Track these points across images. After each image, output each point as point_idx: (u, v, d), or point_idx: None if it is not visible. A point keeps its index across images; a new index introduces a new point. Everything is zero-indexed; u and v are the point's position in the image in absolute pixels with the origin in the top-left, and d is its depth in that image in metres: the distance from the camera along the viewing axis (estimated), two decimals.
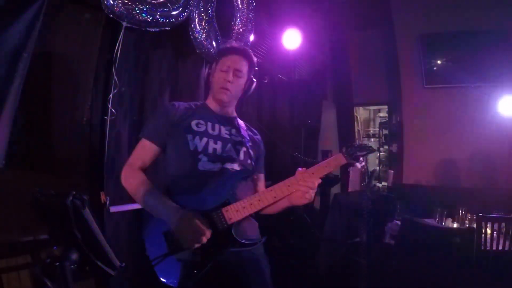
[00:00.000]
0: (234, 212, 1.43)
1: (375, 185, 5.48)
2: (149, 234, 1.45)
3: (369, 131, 7.57)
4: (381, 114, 6.92)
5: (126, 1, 2.07)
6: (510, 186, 3.74)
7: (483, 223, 2.43)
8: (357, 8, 5.07)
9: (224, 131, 1.61)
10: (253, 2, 3.11)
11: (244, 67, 1.63)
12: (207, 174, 1.50)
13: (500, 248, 2.38)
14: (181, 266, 1.38)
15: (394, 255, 2.63)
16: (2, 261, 1.78)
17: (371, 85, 5.43)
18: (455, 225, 2.89)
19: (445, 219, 2.94)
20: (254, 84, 1.72)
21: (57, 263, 0.92)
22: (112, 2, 2.03)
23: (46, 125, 1.95)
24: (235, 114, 1.74)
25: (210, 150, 1.53)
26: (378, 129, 7.00)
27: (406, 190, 4.18)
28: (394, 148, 4.81)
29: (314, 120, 4.59)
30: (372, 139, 7.42)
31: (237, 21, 2.95)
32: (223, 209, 1.43)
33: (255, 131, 1.78)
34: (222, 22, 2.82)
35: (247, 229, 1.51)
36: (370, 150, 1.62)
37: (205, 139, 1.54)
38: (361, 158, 1.57)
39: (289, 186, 1.46)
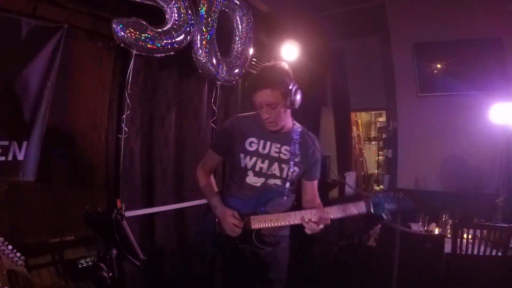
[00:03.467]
0: (258, 222, 1.81)
1: (372, 188, 5.69)
2: (205, 220, 2.01)
3: (370, 134, 7.79)
4: (381, 119, 7.14)
5: (133, 31, 2.36)
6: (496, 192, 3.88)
7: (459, 229, 2.67)
8: (354, 17, 5.27)
9: (274, 150, 1.90)
10: (251, 21, 3.36)
11: (274, 97, 1.73)
12: (251, 187, 1.90)
13: (475, 252, 2.61)
14: (221, 242, 1.91)
15: (375, 257, 2.88)
16: (32, 259, 2.09)
17: (369, 91, 5.59)
18: (436, 230, 3.11)
19: (429, 224, 3.17)
20: (299, 95, 1.79)
21: (107, 255, 1.41)
22: (122, 33, 2.32)
23: (69, 143, 2.27)
24: (289, 126, 1.92)
25: (257, 168, 1.90)
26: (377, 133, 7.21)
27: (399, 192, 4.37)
28: (389, 153, 5.03)
29: (313, 127, 4.83)
30: (373, 142, 7.65)
31: (236, 40, 3.21)
32: (251, 217, 1.82)
33: (312, 138, 1.96)
34: (222, 41, 3.08)
35: (265, 236, 1.87)
36: (401, 204, 1.64)
37: (254, 159, 1.90)
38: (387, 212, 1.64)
39: (303, 217, 1.74)
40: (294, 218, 1.75)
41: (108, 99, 2.39)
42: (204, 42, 2.87)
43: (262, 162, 1.88)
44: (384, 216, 1.67)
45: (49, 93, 2.10)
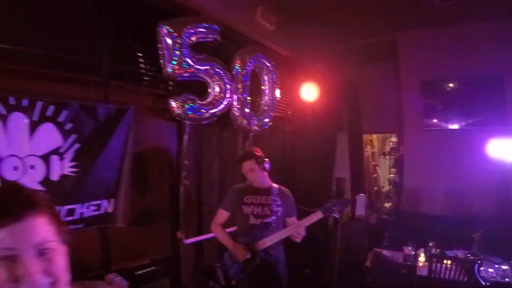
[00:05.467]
0: (261, 244, 2.89)
1: (383, 206, 6.31)
2: (223, 253, 3.02)
3: (385, 149, 8.34)
4: (393, 139, 7.70)
5: (185, 105, 3.13)
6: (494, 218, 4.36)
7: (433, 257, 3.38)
8: (369, 48, 5.82)
9: (263, 199, 2.99)
10: (276, 78, 4.08)
11: (253, 164, 2.99)
12: (254, 226, 2.95)
13: (447, 277, 3.24)
14: (238, 267, 2.93)
15: (369, 275, 3.68)
16: None
17: (381, 114, 6.09)
18: (421, 256, 3.72)
19: (418, 249, 3.81)
20: (267, 164, 3.03)
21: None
22: (176, 108, 3.10)
23: (144, 194, 3.12)
24: (269, 183, 3.07)
25: (255, 212, 2.96)
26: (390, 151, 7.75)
27: (402, 215, 5.00)
28: (397, 178, 5.64)
29: (329, 152, 5.51)
30: (387, 157, 8.20)
31: (263, 101, 3.95)
32: (257, 242, 2.91)
33: (286, 190, 3.12)
34: (252, 99, 3.83)
35: (269, 250, 2.94)
36: (344, 205, 3.04)
37: (251, 207, 2.97)
38: (336, 212, 2.90)
39: (288, 232, 2.87)
40: (282, 234, 2.89)
41: (170, 157, 3.22)
42: (238, 102, 3.62)
43: (257, 207, 2.97)
44: (336, 215, 2.95)
45: (129, 157, 2.91)
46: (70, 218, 2.74)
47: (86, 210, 2.80)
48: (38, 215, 0.79)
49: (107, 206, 2.89)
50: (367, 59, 6.21)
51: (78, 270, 2.61)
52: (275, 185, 3.10)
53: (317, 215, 2.87)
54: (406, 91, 5.40)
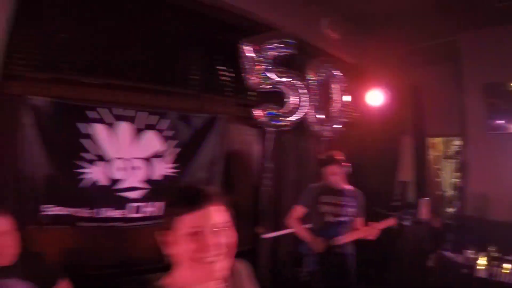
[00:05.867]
0: (335, 241, 3.15)
1: (446, 210, 6.26)
2: (299, 245, 3.30)
3: (449, 152, 8.17)
4: (456, 142, 7.54)
5: (267, 113, 3.48)
6: None
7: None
8: (428, 53, 5.82)
9: (338, 199, 3.26)
10: (344, 93, 4.33)
11: (337, 168, 3.25)
12: (329, 224, 3.22)
13: (506, 280, 3.37)
14: (313, 259, 3.23)
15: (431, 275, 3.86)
16: None
17: (445, 117, 5.92)
18: (482, 259, 3.74)
19: (478, 254, 3.81)
20: (348, 168, 3.31)
21: None
22: (260, 116, 3.46)
23: (232, 191, 3.52)
24: (345, 185, 3.32)
25: (331, 211, 3.24)
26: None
27: (465, 220, 4.89)
28: (459, 182, 5.59)
29: (394, 155, 5.61)
30: (451, 161, 8.04)
31: (333, 108, 4.22)
32: (330, 240, 3.16)
33: (358, 192, 3.39)
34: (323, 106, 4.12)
35: (341, 247, 3.21)
36: (414, 215, 3.30)
37: (327, 206, 3.25)
38: (407, 221, 3.28)
39: (365, 231, 3.15)
40: (357, 234, 3.19)
41: (253, 161, 3.61)
42: (312, 109, 3.92)
43: (334, 207, 3.23)
44: (407, 223, 3.38)
45: (221, 162, 3.32)
46: None
47: None
48: (214, 204, 1.13)
49: None
50: (428, 62, 6.19)
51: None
52: (349, 187, 3.38)
53: (392, 221, 3.22)
54: (469, 93, 5.27)
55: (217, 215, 1.11)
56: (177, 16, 3.42)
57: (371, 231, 3.14)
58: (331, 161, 3.24)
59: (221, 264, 1.09)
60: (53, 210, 2.87)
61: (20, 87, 2.79)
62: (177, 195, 1.16)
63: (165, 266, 1.15)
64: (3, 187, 2.73)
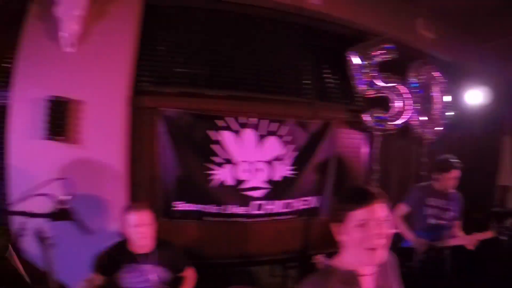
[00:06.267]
0: (437, 243, 3.19)
1: None
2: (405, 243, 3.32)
3: None
4: None
5: (371, 118, 3.66)
6: None
7: None
8: None
9: (443, 203, 3.27)
10: (445, 94, 4.33)
11: (458, 173, 3.26)
12: (432, 225, 3.25)
13: None
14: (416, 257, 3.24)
15: None
16: None
17: None
18: None
19: None
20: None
21: None
22: (369, 121, 3.65)
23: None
24: (450, 190, 3.31)
25: (435, 214, 3.26)
26: None
27: None
28: None
29: (494, 157, 5.40)
30: None
31: (435, 110, 4.25)
32: (432, 241, 3.19)
33: (460, 196, 3.37)
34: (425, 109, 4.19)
35: (441, 250, 3.25)
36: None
37: (433, 209, 3.27)
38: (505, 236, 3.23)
39: (465, 240, 3.17)
40: (458, 241, 3.20)
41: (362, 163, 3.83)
42: (415, 113, 4.01)
43: (439, 211, 3.24)
44: (503, 238, 3.36)
45: (332, 164, 3.57)
46: (286, 210, 3.52)
47: (298, 204, 3.55)
48: (378, 201, 1.37)
49: (314, 201, 3.60)
50: None
51: (282, 250, 3.21)
52: (453, 190, 3.39)
53: (490, 234, 3.16)
54: None
55: (380, 210, 1.35)
56: (289, 30, 3.76)
57: (471, 241, 3.13)
58: (451, 166, 3.23)
59: (381, 252, 1.33)
60: (183, 206, 3.34)
61: (153, 101, 3.30)
62: (348, 194, 1.43)
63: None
64: (141, 186, 3.23)
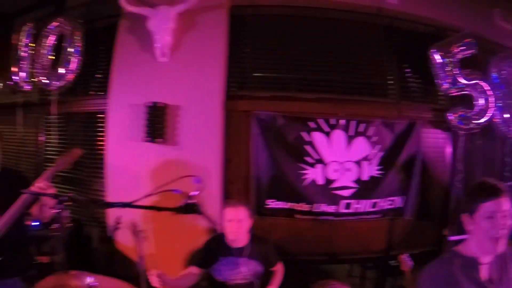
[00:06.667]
0: None
1: None
2: None
3: None
4: None
5: (456, 117, 3.65)
6: None
7: None
8: None
9: None
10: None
11: None
12: None
13: None
14: None
15: None
16: None
17: None
18: None
19: None
20: None
21: None
22: (453, 119, 3.64)
23: (425, 192, 3.81)
24: None
25: None
26: None
27: None
28: None
29: None
30: None
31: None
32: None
33: None
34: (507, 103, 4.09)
35: None
36: None
37: None
38: None
39: None
40: None
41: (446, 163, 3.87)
42: (498, 109, 3.93)
43: None
44: None
45: (417, 164, 3.61)
46: (373, 209, 3.62)
47: (384, 203, 3.63)
48: (505, 195, 1.47)
49: (399, 201, 3.67)
50: None
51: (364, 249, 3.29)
52: None
53: None
54: None
55: (506, 204, 1.47)
56: (371, 31, 3.84)
57: None
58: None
59: (503, 241, 1.46)
60: (275, 204, 3.51)
61: (247, 105, 3.52)
62: (479, 187, 1.56)
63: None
64: (235, 184, 3.44)
